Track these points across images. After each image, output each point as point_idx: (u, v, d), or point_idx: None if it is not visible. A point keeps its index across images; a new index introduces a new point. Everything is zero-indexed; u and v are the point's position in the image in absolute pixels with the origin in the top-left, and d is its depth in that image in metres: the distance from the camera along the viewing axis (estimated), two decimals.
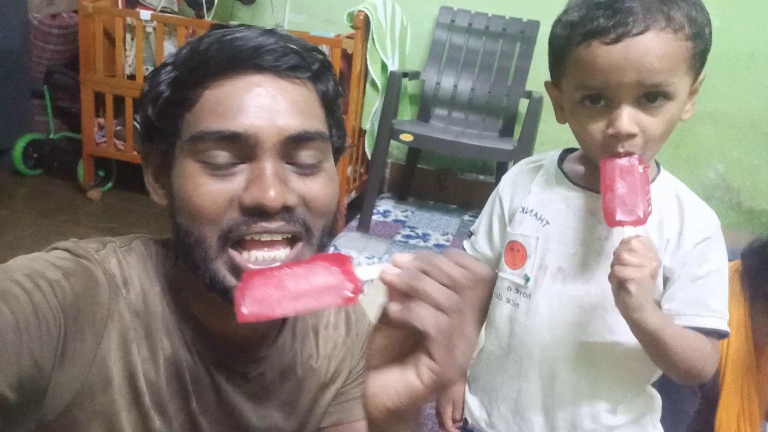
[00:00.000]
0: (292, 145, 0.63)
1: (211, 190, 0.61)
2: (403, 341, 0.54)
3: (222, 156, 0.61)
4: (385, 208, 3.12)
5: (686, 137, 2.89)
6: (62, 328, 0.59)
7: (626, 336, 0.85)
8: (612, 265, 0.78)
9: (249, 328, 0.72)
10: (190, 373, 0.69)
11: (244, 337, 0.73)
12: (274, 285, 0.54)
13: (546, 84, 0.92)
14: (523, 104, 2.80)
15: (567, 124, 0.89)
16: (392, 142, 2.81)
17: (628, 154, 0.80)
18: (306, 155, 0.64)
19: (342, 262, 0.55)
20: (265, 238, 0.62)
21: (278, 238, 0.62)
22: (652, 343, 0.82)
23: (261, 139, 0.61)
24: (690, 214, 0.88)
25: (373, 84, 2.75)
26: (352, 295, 0.54)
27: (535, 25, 2.92)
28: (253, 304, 0.53)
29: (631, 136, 0.79)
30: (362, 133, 2.86)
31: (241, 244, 0.63)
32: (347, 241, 2.66)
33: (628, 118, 0.78)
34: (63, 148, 3.05)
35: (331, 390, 0.85)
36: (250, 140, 0.61)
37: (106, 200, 2.94)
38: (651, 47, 0.76)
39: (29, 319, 0.55)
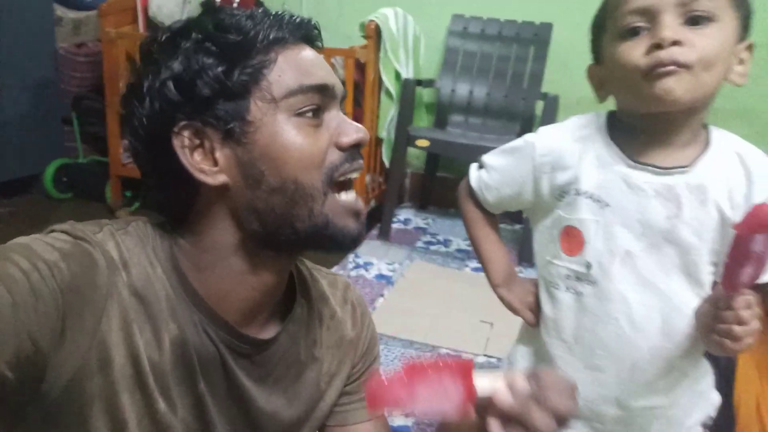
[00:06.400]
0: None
1: (315, 136, 0.68)
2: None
3: (316, 107, 0.68)
4: (406, 216, 3.12)
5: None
6: (61, 308, 0.58)
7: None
8: (726, 322, 0.77)
9: (254, 307, 0.73)
10: (198, 353, 0.68)
11: (249, 318, 0.73)
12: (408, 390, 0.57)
13: (589, 68, 0.91)
14: (539, 106, 2.79)
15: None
16: (410, 150, 2.82)
17: (675, 63, 0.77)
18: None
19: (464, 373, 0.57)
20: (355, 175, 0.71)
21: (356, 175, 0.72)
22: None
23: (337, 91, 0.71)
24: (755, 170, 0.85)
25: (388, 93, 2.78)
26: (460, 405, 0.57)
27: (547, 27, 2.92)
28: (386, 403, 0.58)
29: (676, 42, 0.76)
30: (379, 142, 2.89)
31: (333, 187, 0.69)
32: (368, 249, 2.66)
33: (669, 25, 0.77)
34: (91, 171, 3.13)
35: (336, 383, 0.84)
36: (329, 92, 0.70)
37: None
38: None
39: (27, 298, 0.55)
